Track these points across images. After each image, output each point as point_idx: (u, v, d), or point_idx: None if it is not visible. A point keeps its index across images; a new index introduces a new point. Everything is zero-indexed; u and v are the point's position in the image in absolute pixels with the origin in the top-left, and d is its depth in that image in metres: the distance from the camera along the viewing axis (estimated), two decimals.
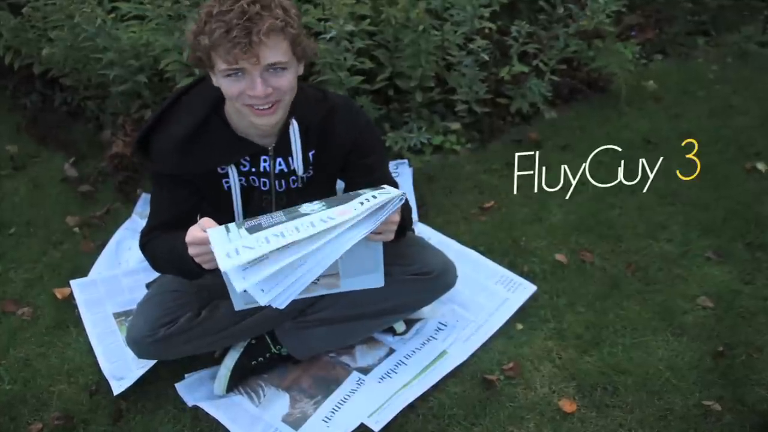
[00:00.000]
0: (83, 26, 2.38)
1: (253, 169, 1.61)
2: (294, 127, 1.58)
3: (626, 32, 3.32)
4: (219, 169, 1.60)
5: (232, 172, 1.60)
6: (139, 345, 1.69)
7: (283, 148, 1.60)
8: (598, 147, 2.66)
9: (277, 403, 1.79)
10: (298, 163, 1.62)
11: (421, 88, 2.62)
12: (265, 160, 1.60)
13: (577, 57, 2.96)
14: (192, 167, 1.56)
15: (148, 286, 1.90)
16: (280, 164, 1.62)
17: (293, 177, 1.65)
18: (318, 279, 1.40)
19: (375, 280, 1.51)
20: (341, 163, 1.68)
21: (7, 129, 2.89)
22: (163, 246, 1.57)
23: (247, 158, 1.59)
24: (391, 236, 1.42)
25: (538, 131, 2.77)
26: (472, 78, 2.58)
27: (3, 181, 2.65)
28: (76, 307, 2.06)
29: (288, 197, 1.66)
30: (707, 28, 3.51)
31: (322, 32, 2.38)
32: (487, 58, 2.54)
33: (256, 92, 1.40)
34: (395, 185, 1.66)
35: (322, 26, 2.39)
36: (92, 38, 2.42)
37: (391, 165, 2.51)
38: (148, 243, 1.62)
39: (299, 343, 1.82)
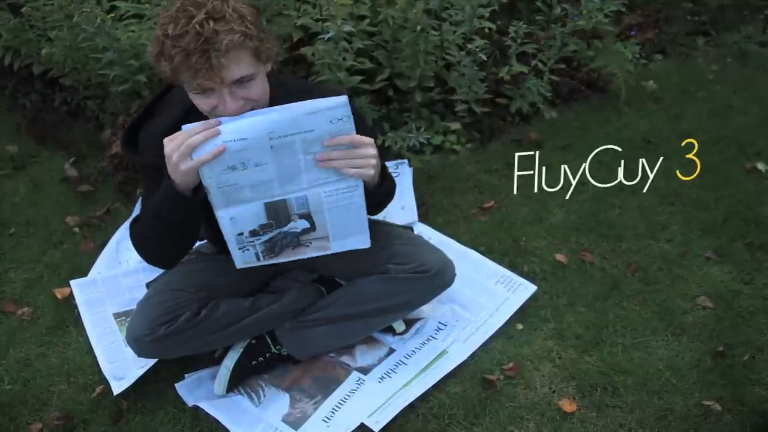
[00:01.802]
0: (82, 26, 2.38)
1: None
2: None
3: (626, 32, 3.32)
4: None
5: None
6: (139, 344, 1.69)
7: None
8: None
9: (277, 403, 1.79)
10: None
11: (421, 88, 2.62)
12: None
13: (576, 57, 2.96)
14: None
15: (148, 285, 1.90)
16: None
17: None
18: (310, 242, 1.59)
19: (361, 241, 1.62)
20: None
21: (7, 129, 2.89)
22: (143, 217, 1.58)
23: None
24: (370, 171, 1.46)
25: (537, 131, 2.77)
26: (472, 78, 2.58)
27: (3, 181, 2.65)
28: (76, 307, 2.06)
29: None
30: (707, 28, 3.51)
31: (320, 32, 2.38)
32: (485, 58, 2.54)
33: (228, 109, 1.39)
34: (390, 176, 1.75)
35: (320, 27, 2.39)
36: (91, 38, 2.42)
37: (391, 165, 2.51)
38: (133, 225, 1.63)
39: (299, 343, 1.82)
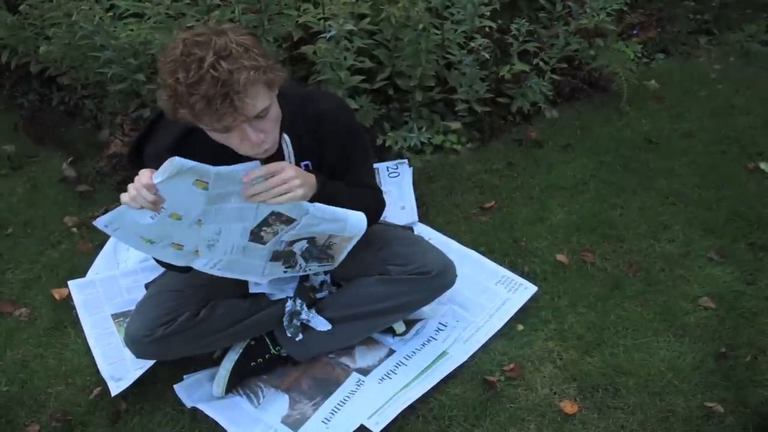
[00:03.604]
0: (81, 24, 2.37)
1: None
2: (286, 141, 1.57)
3: (628, 31, 3.31)
4: None
5: None
6: (137, 345, 1.68)
7: (273, 159, 1.57)
8: (600, 146, 2.66)
9: (276, 404, 1.78)
10: None
11: (421, 87, 2.60)
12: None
13: (578, 56, 2.95)
14: None
15: (146, 286, 1.89)
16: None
17: None
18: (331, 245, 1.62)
19: (354, 225, 1.58)
20: (335, 165, 1.67)
21: (5, 128, 2.88)
22: None
23: None
24: (299, 192, 1.43)
25: (539, 131, 2.76)
26: (473, 77, 2.56)
27: (0, 181, 2.63)
28: (74, 307, 2.05)
29: None
30: (709, 27, 3.50)
31: (322, 31, 2.36)
32: (488, 56, 2.52)
33: (253, 142, 1.38)
34: (374, 179, 1.78)
35: (321, 25, 2.38)
36: (90, 36, 2.40)
37: (392, 165, 2.50)
38: None
39: (299, 344, 1.81)
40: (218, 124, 1.32)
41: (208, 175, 1.34)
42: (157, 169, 1.36)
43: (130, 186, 1.36)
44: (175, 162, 1.30)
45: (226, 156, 1.54)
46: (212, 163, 1.37)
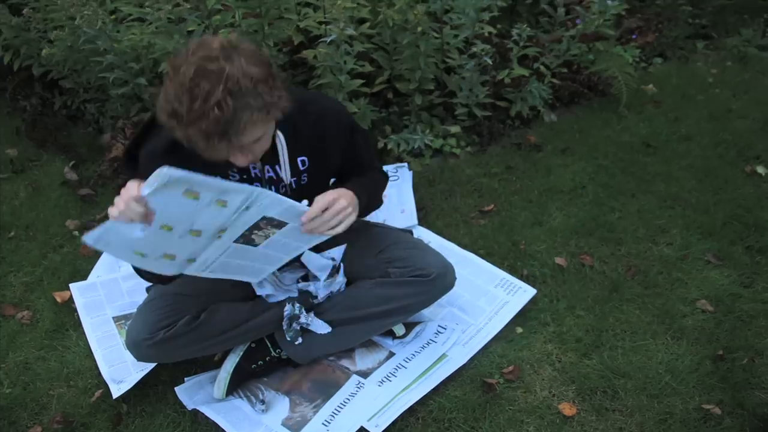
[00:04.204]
0: (84, 28, 2.38)
1: (245, 176, 1.61)
2: (279, 138, 1.58)
3: (626, 36, 3.32)
4: None
5: None
6: (138, 348, 1.69)
7: (269, 157, 1.59)
8: (598, 150, 2.67)
9: (277, 406, 1.78)
10: (285, 169, 1.62)
11: (421, 91, 2.62)
12: (254, 167, 1.60)
13: (577, 60, 2.96)
14: None
15: (148, 289, 1.89)
16: (268, 171, 1.62)
17: (282, 183, 1.65)
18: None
19: None
20: (337, 164, 1.71)
21: (7, 132, 2.90)
22: None
23: (235, 169, 1.59)
24: (352, 218, 1.52)
25: (538, 134, 2.77)
26: (473, 81, 2.58)
27: (3, 184, 2.65)
28: (75, 310, 2.06)
29: None
30: (707, 31, 3.52)
31: (322, 36, 2.38)
32: (489, 61, 2.53)
33: (239, 164, 1.44)
34: (383, 172, 1.86)
35: (322, 30, 2.40)
36: (92, 40, 2.42)
37: (391, 168, 2.51)
38: None
39: (299, 347, 1.81)
40: (207, 154, 1.36)
41: (201, 185, 1.30)
42: (153, 170, 1.36)
43: (118, 199, 1.32)
44: (163, 172, 1.25)
45: (225, 161, 1.56)
46: (207, 167, 1.38)
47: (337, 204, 1.50)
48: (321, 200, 1.49)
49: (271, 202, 1.42)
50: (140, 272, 1.61)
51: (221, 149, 1.35)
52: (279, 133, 1.57)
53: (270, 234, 1.52)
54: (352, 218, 1.53)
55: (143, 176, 1.55)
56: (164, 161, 1.51)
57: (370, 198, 1.72)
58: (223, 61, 1.28)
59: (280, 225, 1.50)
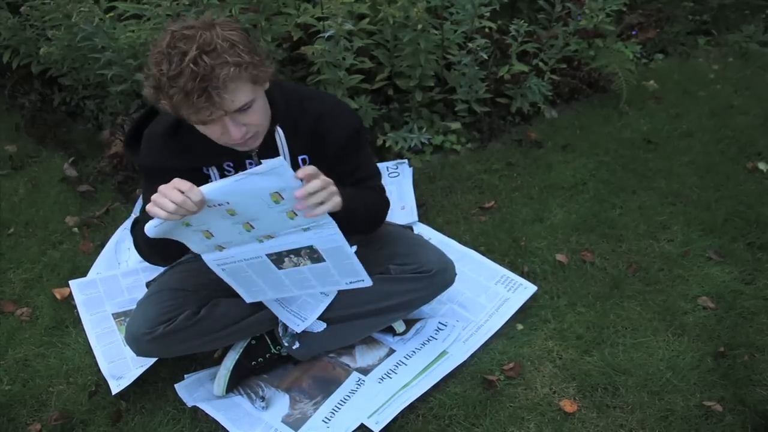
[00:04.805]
0: (81, 25, 2.37)
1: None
2: (279, 134, 1.57)
3: (627, 31, 3.32)
4: (204, 170, 1.59)
5: (214, 174, 1.59)
6: (138, 342, 1.68)
7: (267, 152, 1.57)
8: (599, 147, 2.67)
9: (277, 403, 1.78)
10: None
11: (421, 87, 2.61)
12: (250, 164, 1.59)
13: (577, 56, 2.95)
14: (175, 162, 1.55)
15: (147, 285, 1.89)
16: None
17: None
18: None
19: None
20: (334, 164, 1.67)
21: (6, 129, 2.89)
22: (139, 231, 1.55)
23: (231, 163, 1.58)
24: (331, 205, 1.40)
25: (538, 131, 2.76)
26: (472, 77, 2.57)
27: (2, 181, 2.64)
28: (75, 307, 2.06)
29: None
30: (708, 27, 3.50)
31: (321, 31, 2.37)
32: (486, 57, 2.53)
33: (234, 138, 1.40)
34: (379, 177, 1.74)
35: (320, 25, 2.39)
36: (90, 37, 2.41)
37: (392, 165, 2.51)
38: (134, 228, 1.62)
39: (299, 342, 1.81)
40: (195, 117, 1.35)
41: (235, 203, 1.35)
42: (154, 153, 1.46)
43: (163, 200, 1.33)
44: (274, 162, 1.27)
45: (222, 153, 1.56)
46: (207, 158, 1.45)
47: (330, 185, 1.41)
48: (320, 178, 1.40)
49: (328, 235, 1.43)
50: (146, 253, 1.61)
51: (205, 113, 1.33)
52: (279, 129, 1.57)
53: (300, 263, 1.53)
54: (336, 201, 1.42)
55: (143, 157, 1.58)
56: (165, 144, 1.53)
57: (367, 208, 1.63)
58: (200, 29, 1.32)
59: (318, 260, 1.51)
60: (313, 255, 1.51)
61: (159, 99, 1.36)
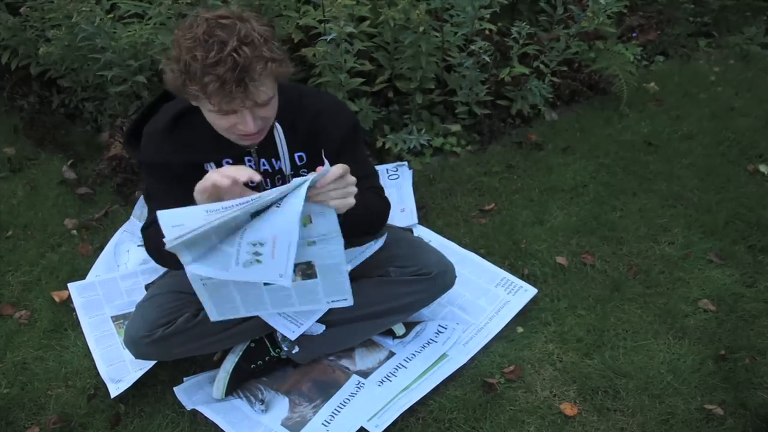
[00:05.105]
0: (81, 25, 2.37)
1: None
2: (278, 131, 1.58)
3: (627, 33, 3.31)
4: (204, 165, 1.58)
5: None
6: (136, 345, 1.68)
7: (266, 149, 1.59)
8: (600, 149, 2.66)
9: (276, 407, 1.77)
10: (285, 163, 1.61)
11: (421, 89, 2.61)
12: (248, 161, 1.59)
13: (578, 58, 2.95)
14: (176, 157, 1.55)
15: (146, 287, 1.89)
16: (264, 164, 1.61)
17: (279, 176, 1.64)
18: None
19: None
20: (331, 162, 1.66)
21: (5, 131, 2.88)
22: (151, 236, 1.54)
23: (230, 160, 1.58)
24: (349, 201, 1.37)
25: (538, 133, 2.76)
26: (473, 80, 2.57)
27: (0, 183, 2.63)
28: (73, 310, 2.05)
29: None
30: (709, 29, 3.50)
31: (322, 34, 2.37)
32: (488, 59, 2.52)
33: (249, 129, 1.41)
34: (377, 179, 1.70)
35: (322, 28, 2.38)
36: (90, 38, 2.41)
37: (391, 167, 2.50)
38: (145, 231, 1.61)
39: (299, 347, 1.80)
40: (226, 106, 1.36)
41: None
42: (154, 148, 1.49)
43: (221, 178, 1.34)
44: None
45: (221, 150, 1.57)
46: (206, 154, 1.46)
47: (350, 178, 1.38)
48: (341, 170, 1.37)
49: (331, 251, 1.41)
50: (156, 257, 1.59)
51: (237, 102, 1.34)
52: (277, 126, 1.57)
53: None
54: (351, 201, 1.38)
55: (143, 154, 1.59)
56: (165, 140, 1.53)
57: (368, 209, 1.58)
58: (237, 20, 1.34)
59: (309, 276, 1.48)
60: (307, 271, 1.48)
61: (186, 85, 1.35)
